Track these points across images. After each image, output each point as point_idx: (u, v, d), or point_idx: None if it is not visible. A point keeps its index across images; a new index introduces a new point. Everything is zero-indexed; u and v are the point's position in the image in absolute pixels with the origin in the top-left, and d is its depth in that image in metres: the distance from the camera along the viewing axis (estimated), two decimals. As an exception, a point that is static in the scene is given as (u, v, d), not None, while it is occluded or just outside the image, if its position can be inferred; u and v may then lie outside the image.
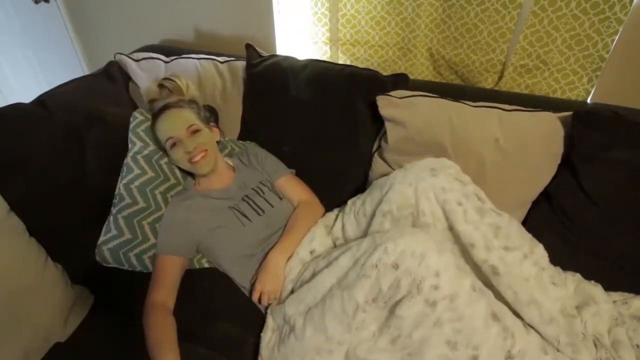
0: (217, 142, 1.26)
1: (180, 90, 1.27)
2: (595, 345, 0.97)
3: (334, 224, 1.19)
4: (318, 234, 1.15)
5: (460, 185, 1.00)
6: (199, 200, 1.17)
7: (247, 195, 1.20)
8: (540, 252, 1.04)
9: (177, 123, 1.14)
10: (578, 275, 1.13)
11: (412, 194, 1.01)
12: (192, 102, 1.25)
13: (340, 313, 0.89)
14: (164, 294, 1.03)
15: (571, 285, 1.10)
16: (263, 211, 1.18)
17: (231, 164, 1.29)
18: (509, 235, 0.99)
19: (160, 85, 1.29)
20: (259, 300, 1.06)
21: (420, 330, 0.86)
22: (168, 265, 1.08)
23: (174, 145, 1.14)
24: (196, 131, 1.14)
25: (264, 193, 1.22)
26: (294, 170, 1.35)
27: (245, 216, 1.15)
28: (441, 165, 1.03)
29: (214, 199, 1.18)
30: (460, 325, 0.85)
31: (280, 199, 1.24)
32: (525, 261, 0.98)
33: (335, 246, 1.15)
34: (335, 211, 1.24)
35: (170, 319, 0.99)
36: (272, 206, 1.20)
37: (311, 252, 1.11)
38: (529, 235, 1.06)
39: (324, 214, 1.25)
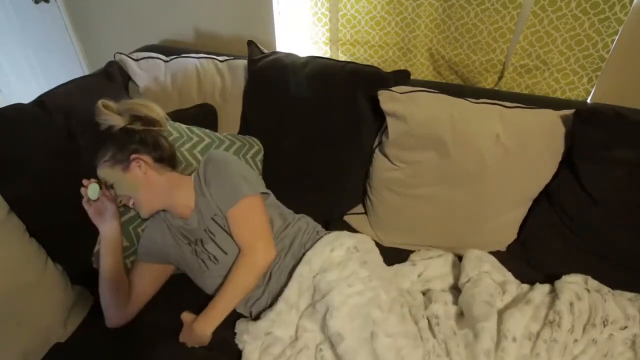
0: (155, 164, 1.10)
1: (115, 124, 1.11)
2: None
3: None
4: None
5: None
6: (173, 231, 1.13)
7: (201, 240, 1.08)
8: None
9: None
10: None
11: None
12: (113, 137, 1.09)
13: None
14: None
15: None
16: (217, 260, 1.06)
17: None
18: None
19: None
20: None
21: None
22: (138, 270, 1.12)
23: None
24: (110, 186, 1.08)
25: (215, 236, 1.07)
26: (262, 191, 1.10)
27: (204, 262, 1.08)
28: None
29: (181, 235, 1.11)
30: None
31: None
32: None
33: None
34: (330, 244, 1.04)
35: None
36: (226, 253, 1.05)
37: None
38: None
39: (268, 263, 1.03)
